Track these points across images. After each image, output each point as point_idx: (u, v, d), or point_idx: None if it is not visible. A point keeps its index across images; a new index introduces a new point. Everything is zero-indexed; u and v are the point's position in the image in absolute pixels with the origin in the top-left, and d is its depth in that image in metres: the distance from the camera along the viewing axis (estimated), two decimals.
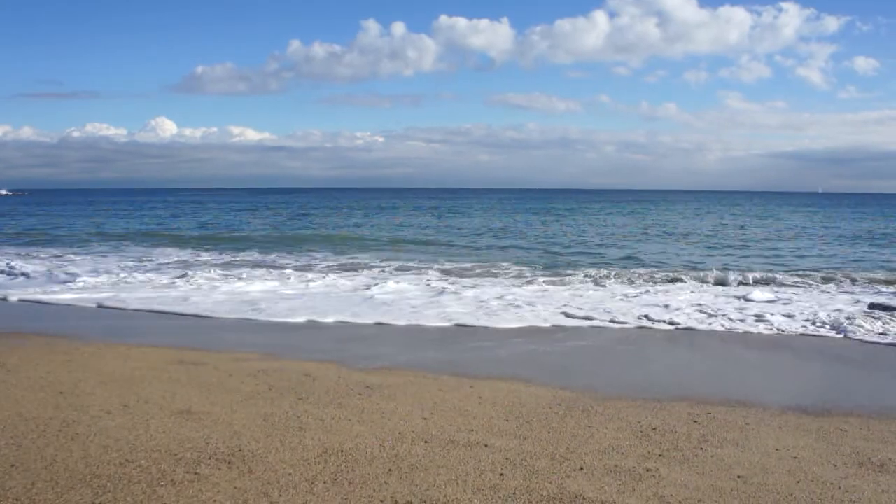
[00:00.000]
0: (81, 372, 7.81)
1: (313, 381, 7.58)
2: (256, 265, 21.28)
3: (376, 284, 16.62)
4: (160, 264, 21.20)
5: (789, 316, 12.40)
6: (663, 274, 19.09)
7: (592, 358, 9.59)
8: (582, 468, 5.16)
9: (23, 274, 18.46)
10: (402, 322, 12.00)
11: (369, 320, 12.09)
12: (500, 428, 6.10)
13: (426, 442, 5.68)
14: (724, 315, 12.58)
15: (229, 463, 5.12)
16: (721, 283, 17.48)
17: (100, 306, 13.59)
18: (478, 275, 19.15)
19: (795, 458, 5.49)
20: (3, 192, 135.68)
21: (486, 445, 5.63)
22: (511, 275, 19.27)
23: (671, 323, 11.97)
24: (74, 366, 8.11)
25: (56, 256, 23.76)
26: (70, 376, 7.59)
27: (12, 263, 20.39)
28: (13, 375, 7.59)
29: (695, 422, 6.37)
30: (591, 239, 33.59)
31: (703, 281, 17.76)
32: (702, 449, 5.65)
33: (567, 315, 12.71)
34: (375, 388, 7.31)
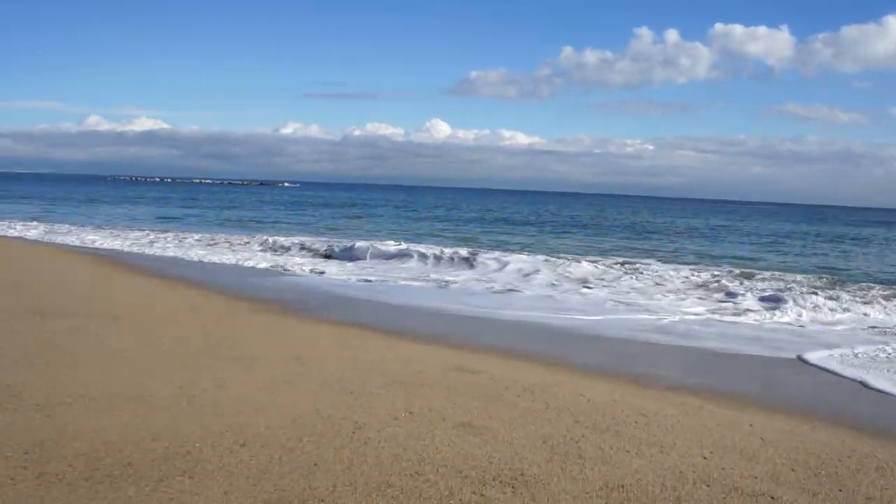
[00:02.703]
0: (367, 371, 8.28)
1: (588, 401, 7.46)
2: None
3: None
4: None
5: None
6: None
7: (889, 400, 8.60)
8: None
9: None
10: None
11: None
12: (786, 478, 5.60)
13: (708, 486, 5.35)
14: None
15: (513, 487, 5.14)
16: None
17: None
18: None
19: None
20: (289, 183, 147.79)
21: (772, 497, 5.19)
22: None
23: None
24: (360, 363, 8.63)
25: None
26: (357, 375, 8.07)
27: None
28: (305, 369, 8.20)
29: None
30: None
31: None
32: None
33: None
34: (651, 417, 7.04)
